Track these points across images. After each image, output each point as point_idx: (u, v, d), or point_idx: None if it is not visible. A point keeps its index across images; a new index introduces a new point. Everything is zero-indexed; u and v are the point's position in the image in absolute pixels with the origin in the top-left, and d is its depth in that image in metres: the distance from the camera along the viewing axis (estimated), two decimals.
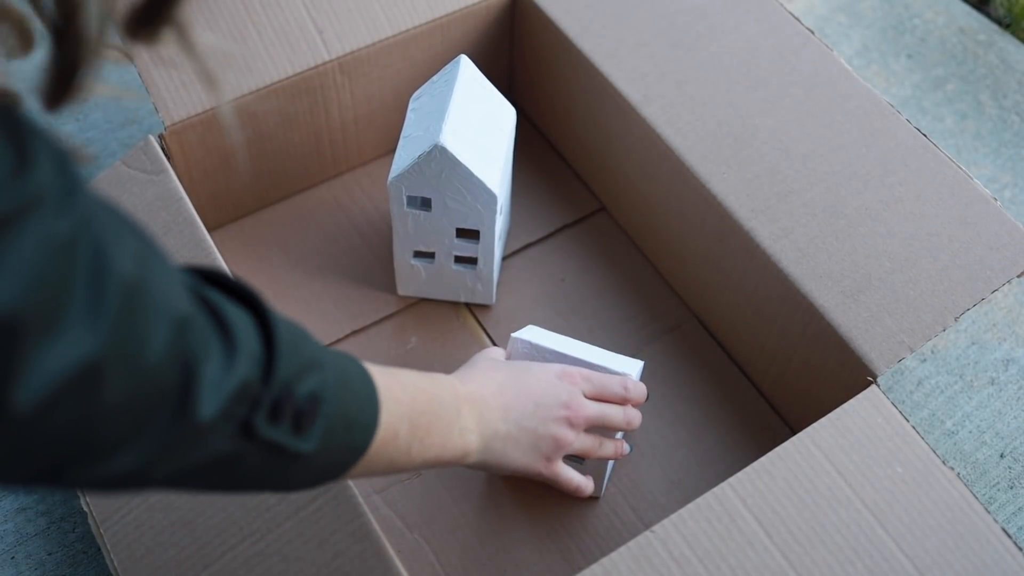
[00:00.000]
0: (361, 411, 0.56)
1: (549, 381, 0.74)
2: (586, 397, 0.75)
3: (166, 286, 0.43)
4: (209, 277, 0.51)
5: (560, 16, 0.97)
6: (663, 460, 0.88)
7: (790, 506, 0.69)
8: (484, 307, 0.97)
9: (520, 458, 0.72)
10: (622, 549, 0.68)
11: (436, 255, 0.92)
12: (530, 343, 0.81)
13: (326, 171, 1.04)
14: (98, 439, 0.41)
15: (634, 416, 0.79)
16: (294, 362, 0.50)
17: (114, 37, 0.40)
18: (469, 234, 0.89)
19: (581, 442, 0.75)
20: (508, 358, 0.81)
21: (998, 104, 1.18)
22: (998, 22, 1.29)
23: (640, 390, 0.79)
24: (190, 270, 0.49)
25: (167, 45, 0.40)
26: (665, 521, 0.69)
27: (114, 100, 1.17)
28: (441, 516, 0.84)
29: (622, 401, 0.77)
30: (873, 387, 0.75)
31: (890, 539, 0.69)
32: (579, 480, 0.78)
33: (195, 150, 0.93)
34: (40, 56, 0.39)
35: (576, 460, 0.82)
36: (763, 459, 0.72)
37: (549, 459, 0.74)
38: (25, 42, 0.40)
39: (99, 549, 0.84)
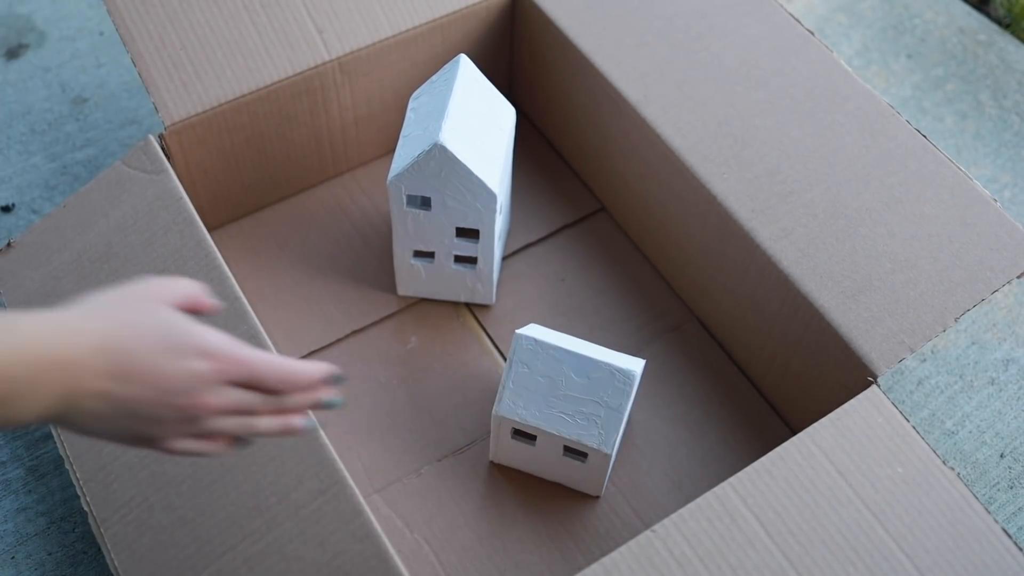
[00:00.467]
0: None
1: (182, 363, 0.59)
2: (234, 383, 0.60)
3: None
4: None
5: (560, 16, 0.97)
6: (663, 460, 0.88)
7: (791, 506, 0.69)
8: (484, 307, 0.97)
9: (109, 436, 0.59)
10: (623, 549, 0.68)
11: (436, 255, 0.92)
12: (534, 339, 0.81)
13: (326, 171, 1.04)
14: None
15: (292, 415, 0.62)
16: None
17: None
18: (469, 233, 0.89)
19: (202, 431, 0.60)
20: (511, 355, 0.81)
21: (998, 104, 1.18)
22: (998, 22, 1.29)
23: (308, 374, 0.61)
24: None
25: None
26: (666, 520, 0.69)
27: (114, 100, 1.17)
28: (441, 516, 0.84)
29: (276, 393, 0.61)
30: (873, 387, 0.75)
31: (890, 539, 0.69)
32: (195, 447, 0.62)
33: (195, 150, 0.93)
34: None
35: (578, 456, 0.82)
36: (763, 459, 0.72)
37: (150, 443, 0.60)
38: None
39: (99, 549, 0.84)
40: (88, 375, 0.55)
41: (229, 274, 0.80)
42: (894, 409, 0.74)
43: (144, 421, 0.58)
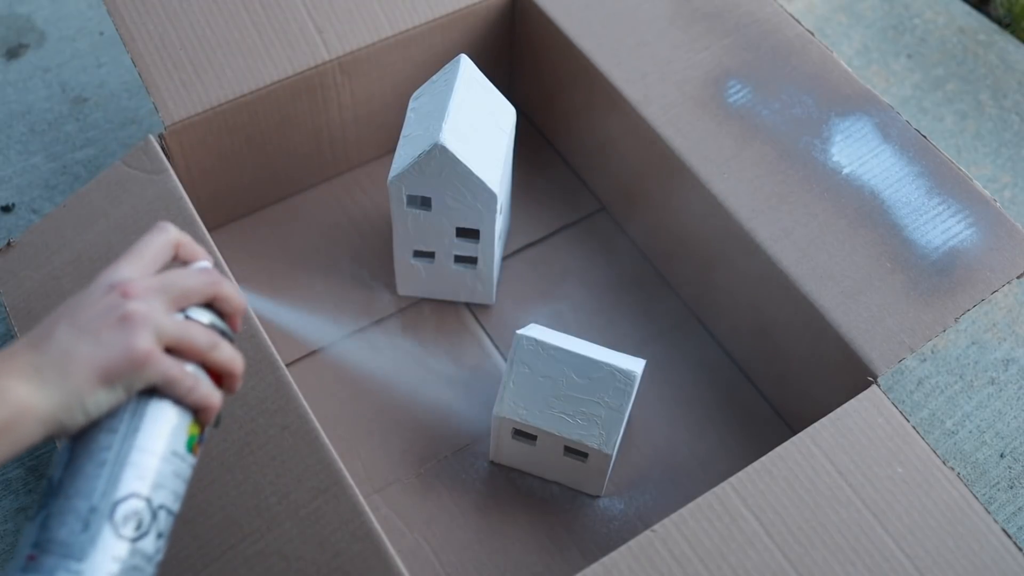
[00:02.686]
0: None
1: (92, 295, 0.54)
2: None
3: None
4: None
5: (560, 16, 0.97)
6: (663, 460, 0.88)
7: (791, 506, 0.69)
8: (484, 307, 0.97)
9: (90, 367, 0.51)
10: (623, 549, 0.68)
11: (436, 255, 0.92)
12: (535, 340, 0.81)
13: (326, 171, 1.04)
14: None
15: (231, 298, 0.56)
16: None
17: None
18: (469, 233, 0.89)
19: (170, 330, 0.53)
20: (512, 355, 0.81)
21: (998, 104, 1.18)
22: (998, 22, 1.29)
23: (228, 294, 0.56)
24: None
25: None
26: (666, 520, 0.69)
27: (114, 100, 1.17)
28: (441, 516, 0.84)
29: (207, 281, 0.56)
30: (873, 387, 0.75)
31: (890, 539, 0.69)
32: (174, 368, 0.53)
33: (195, 150, 0.93)
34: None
35: (578, 456, 0.82)
36: (763, 459, 0.72)
37: (125, 349, 0.51)
38: None
39: None
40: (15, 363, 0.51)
41: (229, 274, 0.80)
42: (894, 409, 0.74)
43: (85, 325, 0.52)
